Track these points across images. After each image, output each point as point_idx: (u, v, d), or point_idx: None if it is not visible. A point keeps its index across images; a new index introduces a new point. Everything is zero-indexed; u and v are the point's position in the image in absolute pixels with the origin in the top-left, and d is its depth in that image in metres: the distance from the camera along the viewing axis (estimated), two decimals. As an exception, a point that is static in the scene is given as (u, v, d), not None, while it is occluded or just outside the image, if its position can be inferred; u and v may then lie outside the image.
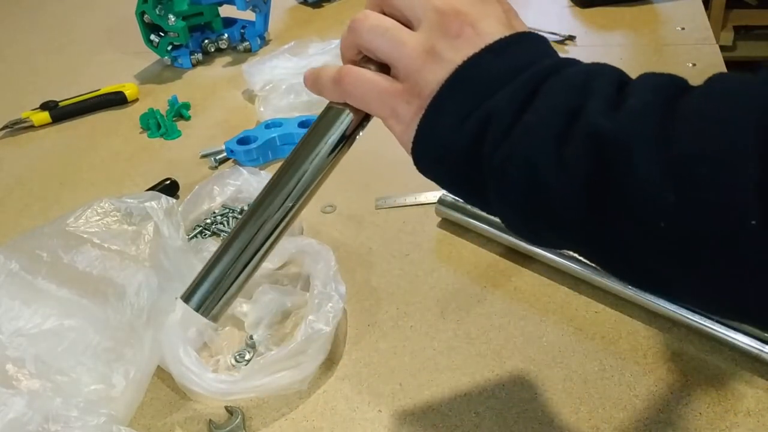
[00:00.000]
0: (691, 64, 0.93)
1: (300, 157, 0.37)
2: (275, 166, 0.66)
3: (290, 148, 0.49)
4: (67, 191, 0.82)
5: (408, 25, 0.35)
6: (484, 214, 0.62)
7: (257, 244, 0.37)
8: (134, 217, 0.58)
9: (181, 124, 0.94)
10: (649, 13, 1.11)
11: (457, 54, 0.32)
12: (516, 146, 0.30)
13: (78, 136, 0.95)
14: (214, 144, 0.86)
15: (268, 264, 0.61)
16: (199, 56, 1.11)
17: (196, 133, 0.91)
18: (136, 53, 1.16)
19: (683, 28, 1.04)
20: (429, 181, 0.35)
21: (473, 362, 0.53)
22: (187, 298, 0.37)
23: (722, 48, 1.12)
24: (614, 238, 0.28)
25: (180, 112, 0.95)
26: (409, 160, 0.35)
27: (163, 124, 0.92)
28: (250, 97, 0.97)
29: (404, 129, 0.35)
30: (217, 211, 0.69)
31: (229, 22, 1.16)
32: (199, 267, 0.38)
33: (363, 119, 0.37)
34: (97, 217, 0.58)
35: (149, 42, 1.07)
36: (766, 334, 0.49)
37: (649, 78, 0.30)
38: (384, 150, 0.78)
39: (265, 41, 1.17)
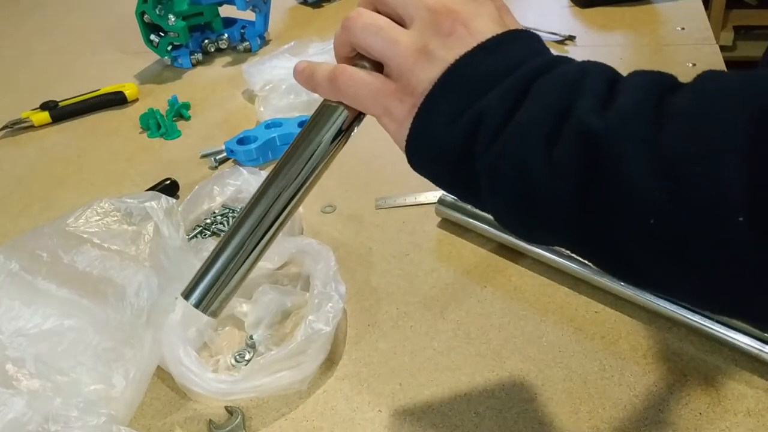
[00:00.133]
0: (691, 64, 0.93)
1: (296, 153, 0.37)
2: (275, 166, 0.66)
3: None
4: (67, 191, 0.82)
5: (401, 23, 0.35)
6: (483, 214, 0.62)
7: (255, 240, 0.37)
8: (134, 217, 0.59)
9: (181, 124, 0.94)
10: (649, 13, 1.11)
11: (449, 52, 0.33)
12: (508, 146, 0.30)
13: (78, 136, 0.95)
14: (214, 144, 0.86)
15: (268, 264, 0.61)
16: (199, 56, 1.11)
17: (196, 133, 0.91)
18: (136, 53, 1.16)
19: (683, 28, 1.04)
20: (429, 181, 0.36)
21: (473, 362, 0.53)
22: (187, 295, 0.37)
23: (722, 48, 1.12)
24: (606, 236, 0.29)
25: (180, 112, 0.95)
26: (408, 160, 0.35)
27: (163, 124, 0.92)
28: (250, 97, 0.97)
29: (398, 127, 0.35)
30: (217, 211, 0.69)
31: (229, 22, 1.16)
32: (198, 267, 0.38)
33: (358, 116, 0.38)
34: (97, 217, 0.58)
35: (149, 42, 1.07)
36: (766, 334, 0.49)
37: (639, 76, 0.30)
38: (384, 150, 0.78)
39: (265, 41, 1.17)
